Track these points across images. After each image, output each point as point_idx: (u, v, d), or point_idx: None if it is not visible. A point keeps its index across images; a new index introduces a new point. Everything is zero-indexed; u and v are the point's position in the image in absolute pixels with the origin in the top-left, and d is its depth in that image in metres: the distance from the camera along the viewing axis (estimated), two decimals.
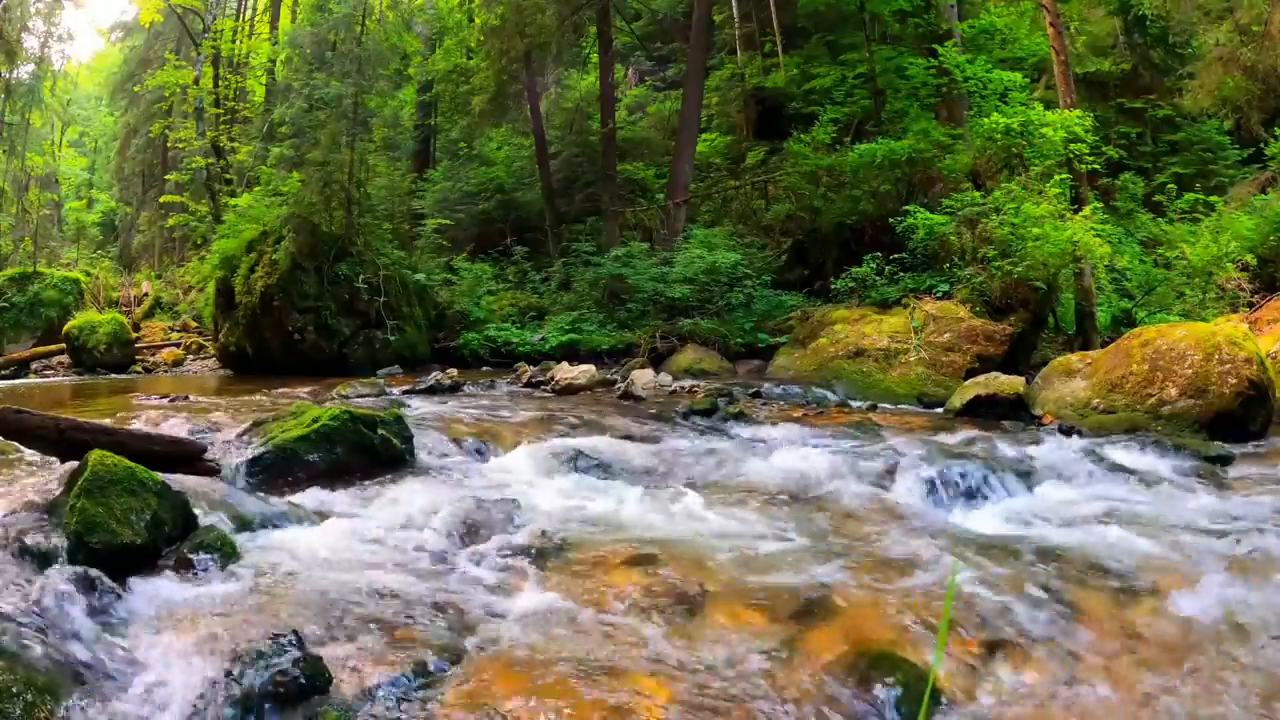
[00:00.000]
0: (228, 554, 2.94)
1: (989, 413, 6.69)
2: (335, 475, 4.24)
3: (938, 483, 4.25)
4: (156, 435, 4.09)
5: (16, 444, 3.89)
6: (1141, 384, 6.15)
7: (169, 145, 24.24)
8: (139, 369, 15.56)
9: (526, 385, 9.36)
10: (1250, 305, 9.63)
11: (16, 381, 13.77)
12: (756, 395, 7.98)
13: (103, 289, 20.87)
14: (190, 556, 2.87)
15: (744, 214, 15.19)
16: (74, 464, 3.25)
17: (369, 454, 4.48)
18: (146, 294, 21.71)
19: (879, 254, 10.28)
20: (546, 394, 8.64)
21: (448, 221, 17.08)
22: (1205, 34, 14.40)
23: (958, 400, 7.01)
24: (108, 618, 2.46)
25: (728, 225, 14.56)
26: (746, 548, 3.31)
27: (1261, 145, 13.24)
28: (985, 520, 3.90)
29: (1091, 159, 10.05)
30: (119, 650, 2.31)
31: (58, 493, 3.19)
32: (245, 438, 4.69)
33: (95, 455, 3.03)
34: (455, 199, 18.38)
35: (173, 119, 24.68)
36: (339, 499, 3.96)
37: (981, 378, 7.22)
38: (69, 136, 34.16)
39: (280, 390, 8.73)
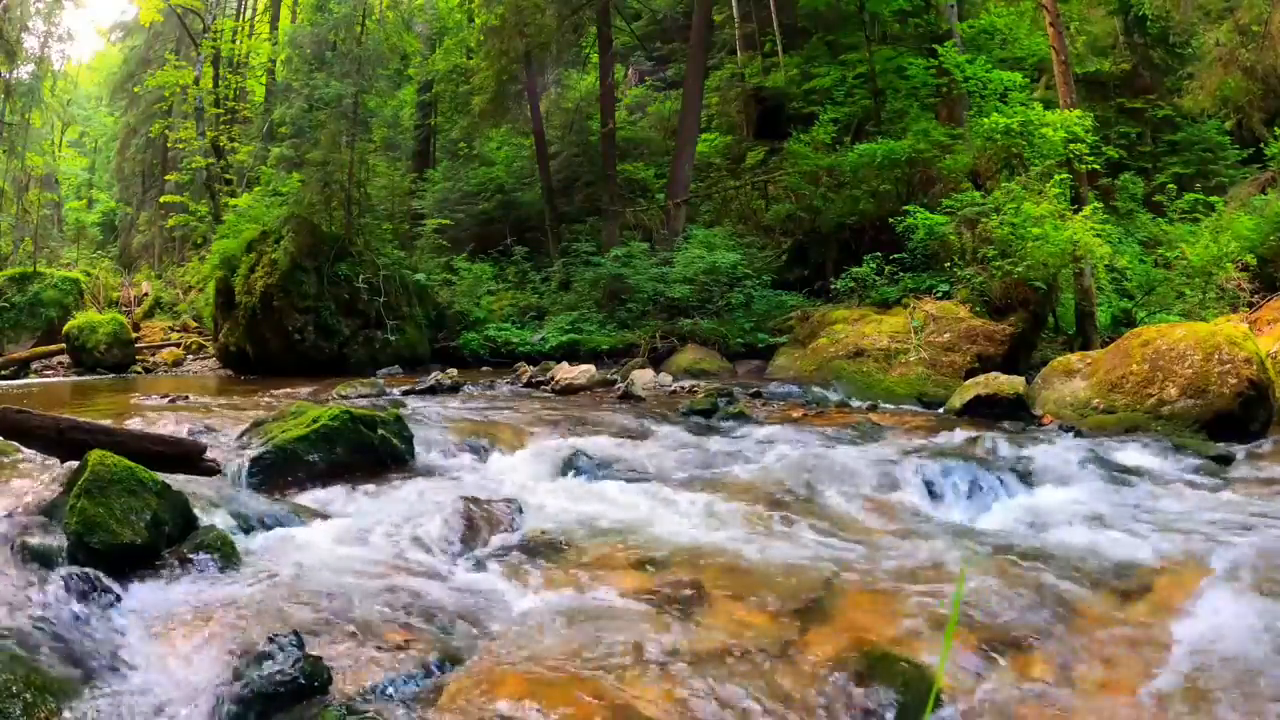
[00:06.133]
0: (228, 554, 2.94)
1: (989, 413, 6.69)
2: (335, 475, 4.24)
3: (937, 483, 4.25)
4: (156, 435, 4.09)
5: (16, 444, 3.89)
6: (1141, 384, 6.15)
7: (169, 145, 24.25)
8: (139, 369, 15.56)
9: (526, 385, 9.36)
10: (1250, 305, 9.64)
11: (16, 381, 13.77)
12: (756, 395, 7.98)
13: (103, 289, 20.87)
14: (190, 556, 2.87)
15: (744, 214, 15.18)
16: (74, 464, 3.25)
17: (369, 454, 4.48)
18: (146, 294, 21.72)
19: (879, 254, 10.28)
20: (546, 394, 8.64)
21: (448, 221, 17.09)
22: (1205, 34, 14.40)
23: (958, 400, 7.01)
24: (108, 618, 2.46)
25: (728, 225, 14.56)
26: (746, 547, 3.31)
27: (1261, 145, 13.25)
28: (985, 520, 3.90)
29: (1091, 159, 10.05)
30: (119, 650, 2.31)
31: (58, 493, 3.19)
32: (245, 438, 4.69)
33: (95, 455, 3.03)
34: (455, 199, 18.39)
35: (173, 119, 24.68)
36: (339, 499, 3.96)
37: (981, 378, 7.22)
38: (69, 136, 34.14)
39: (280, 390, 8.73)
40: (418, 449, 4.84)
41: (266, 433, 4.57)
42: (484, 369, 11.88)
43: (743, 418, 6.47)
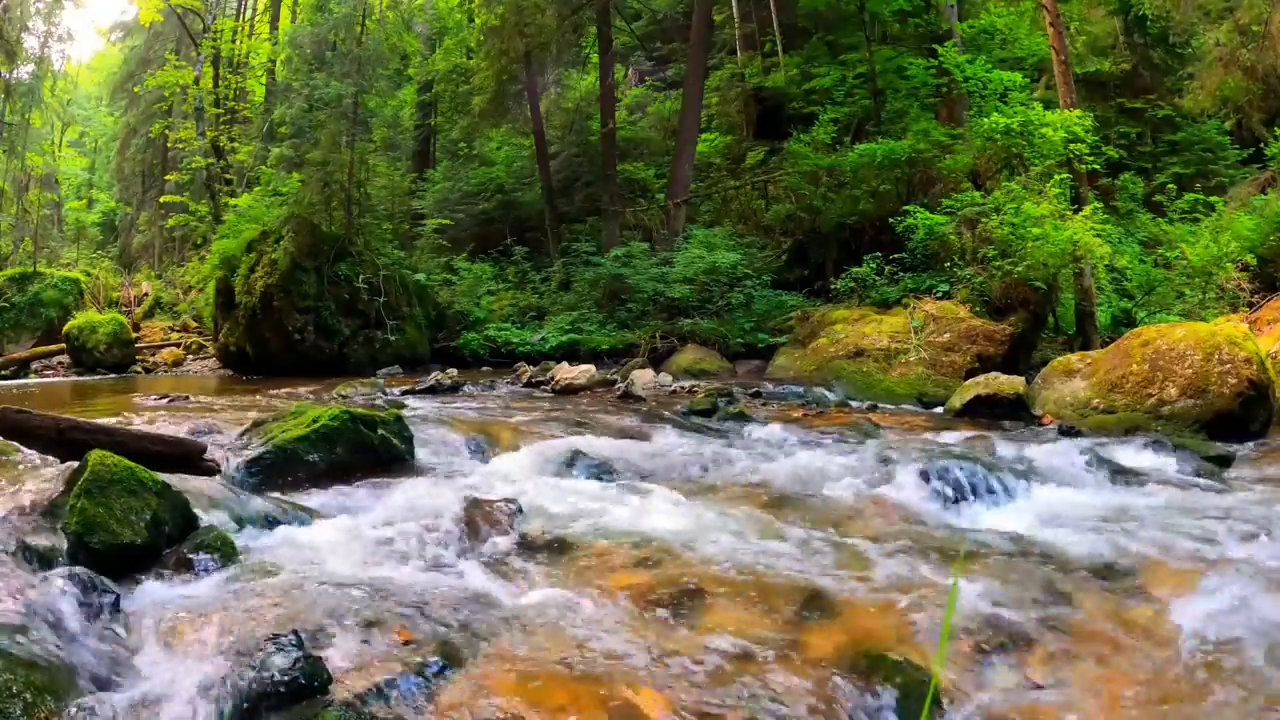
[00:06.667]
0: (228, 554, 2.94)
1: (989, 413, 6.69)
2: (335, 475, 4.24)
3: (937, 483, 4.24)
4: (156, 435, 4.09)
5: (16, 444, 3.89)
6: (1141, 384, 6.15)
7: (169, 145, 24.26)
8: (139, 369, 15.56)
9: (526, 385, 9.36)
10: (1250, 305, 9.63)
11: (16, 381, 13.77)
12: (756, 395, 7.98)
13: (103, 289, 20.87)
14: (190, 557, 2.87)
15: (744, 214, 15.19)
16: (74, 464, 3.25)
17: (369, 454, 4.48)
18: (146, 294, 21.72)
19: (879, 254, 10.28)
20: (546, 394, 8.64)
21: (448, 221, 17.09)
22: (1205, 34, 14.39)
23: (958, 400, 7.01)
24: (108, 618, 2.46)
25: (728, 225, 14.57)
26: (746, 548, 3.31)
27: (1261, 145, 13.25)
28: (985, 520, 3.90)
29: (1091, 159, 10.06)
30: (119, 650, 2.31)
31: (58, 493, 3.19)
32: (245, 438, 4.69)
33: (95, 455, 3.03)
34: (455, 199, 18.39)
35: (173, 119, 24.69)
36: (339, 499, 3.96)
37: (981, 378, 7.22)
38: (69, 136, 34.16)
39: (280, 390, 8.73)
40: (418, 449, 4.84)
41: (266, 433, 4.57)
42: (484, 369, 11.88)
43: (743, 418, 6.47)
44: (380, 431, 4.59)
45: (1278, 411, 6.09)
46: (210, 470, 3.78)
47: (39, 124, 26.09)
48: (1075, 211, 9.32)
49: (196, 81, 22.41)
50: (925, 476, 4.29)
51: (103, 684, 2.14)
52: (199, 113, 22.36)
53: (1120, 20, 16.26)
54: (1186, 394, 5.92)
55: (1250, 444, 5.61)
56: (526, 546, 3.28)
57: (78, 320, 16.41)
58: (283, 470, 4.20)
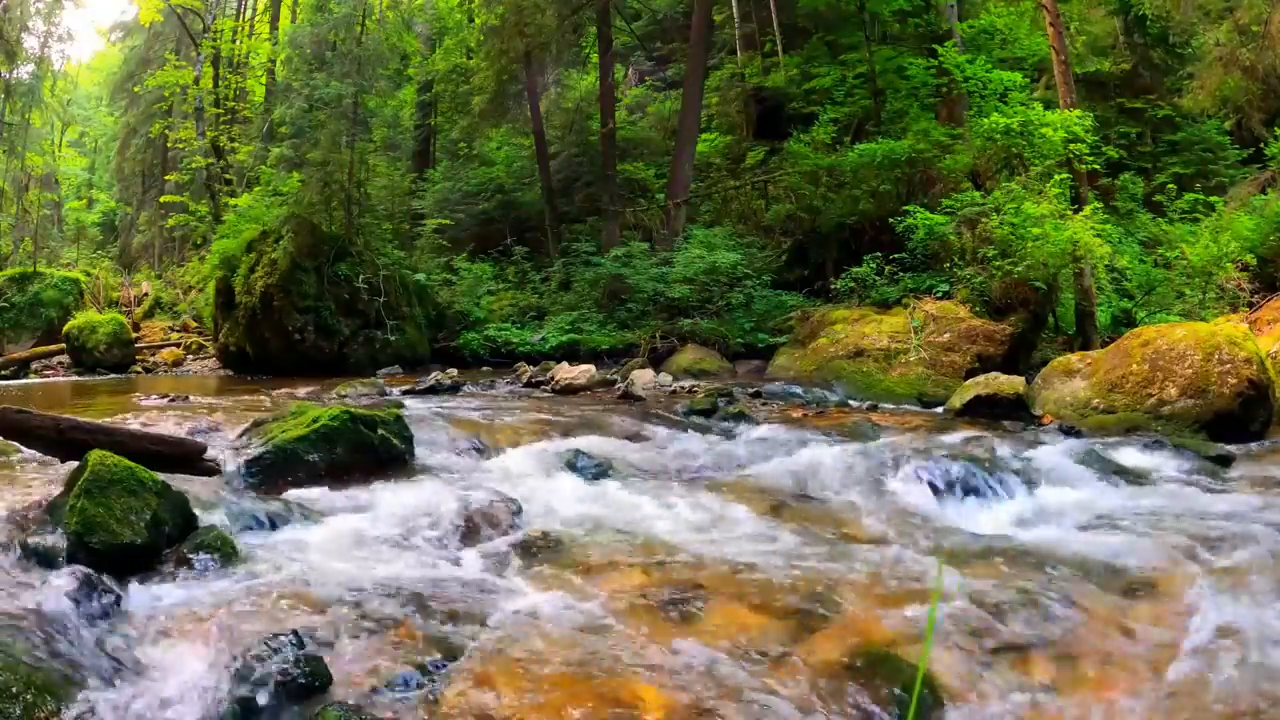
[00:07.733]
0: (228, 554, 2.94)
1: (989, 413, 6.69)
2: (335, 475, 4.24)
3: (937, 483, 4.24)
4: (156, 435, 4.09)
5: (16, 444, 3.89)
6: (1141, 384, 6.15)
7: (169, 145, 24.27)
8: (139, 369, 15.56)
9: (526, 385, 9.36)
10: (1250, 305, 9.63)
11: (16, 381, 13.77)
12: (756, 395, 7.98)
13: (103, 289, 20.87)
14: (190, 556, 2.87)
15: (744, 214, 15.18)
16: (74, 464, 3.25)
17: (369, 454, 4.47)
18: (146, 294, 21.72)
19: (879, 254, 10.28)
20: (546, 394, 8.64)
21: (448, 221, 17.09)
22: (1205, 34, 14.38)
23: (958, 400, 7.00)
24: (108, 618, 2.46)
25: (728, 225, 14.56)
26: (746, 548, 3.31)
27: (1261, 145, 13.24)
28: (985, 521, 3.90)
29: (1091, 159, 10.05)
30: (119, 651, 2.31)
31: (58, 493, 3.19)
32: (245, 438, 4.70)
33: (95, 455, 3.03)
34: (455, 199, 18.39)
35: (173, 119, 24.70)
36: (339, 499, 3.96)
37: (981, 378, 7.22)
38: (69, 136, 34.15)
39: (280, 390, 8.73)
40: (418, 449, 4.84)
41: (266, 433, 4.57)
42: (484, 369, 11.88)
43: (743, 418, 6.46)
44: (380, 431, 4.59)
45: (1278, 411, 6.09)
46: (210, 470, 3.78)
47: (39, 124, 26.08)
48: (1075, 211, 9.31)
49: (196, 81, 22.42)
50: (925, 477, 4.29)
51: (103, 684, 2.14)
52: (199, 113, 22.37)
53: (1120, 20, 16.25)
54: (1186, 394, 5.92)
55: (1250, 444, 5.61)
56: (526, 546, 3.28)
57: (78, 320, 16.41)
58: (283, 470, 4.20)
